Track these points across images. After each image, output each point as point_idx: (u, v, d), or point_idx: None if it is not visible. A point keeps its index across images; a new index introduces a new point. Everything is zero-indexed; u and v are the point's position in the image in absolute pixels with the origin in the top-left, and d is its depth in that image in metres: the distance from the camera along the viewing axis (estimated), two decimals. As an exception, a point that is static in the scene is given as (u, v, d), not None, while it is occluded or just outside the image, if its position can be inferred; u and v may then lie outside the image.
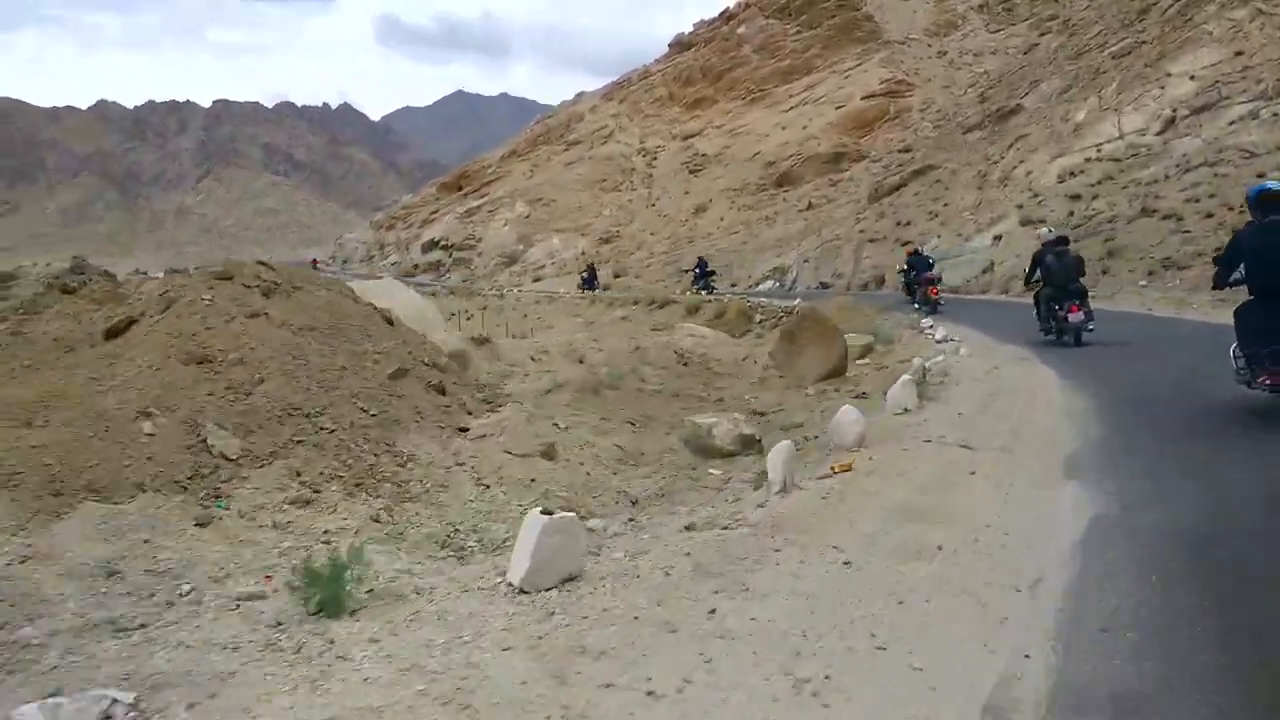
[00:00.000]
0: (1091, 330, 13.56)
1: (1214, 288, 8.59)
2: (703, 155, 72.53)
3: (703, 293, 35.93)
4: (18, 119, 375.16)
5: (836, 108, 69.18)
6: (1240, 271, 7.73)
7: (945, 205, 41.15)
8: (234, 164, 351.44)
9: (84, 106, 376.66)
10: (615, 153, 77.24)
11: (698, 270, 39.86)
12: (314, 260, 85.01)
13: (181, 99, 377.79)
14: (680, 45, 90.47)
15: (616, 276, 54.38)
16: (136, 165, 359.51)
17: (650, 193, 71.46)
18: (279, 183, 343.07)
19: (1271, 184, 7.96)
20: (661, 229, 64.99)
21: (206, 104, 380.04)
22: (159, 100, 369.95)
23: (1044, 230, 16.52)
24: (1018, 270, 25.68)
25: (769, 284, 44.71)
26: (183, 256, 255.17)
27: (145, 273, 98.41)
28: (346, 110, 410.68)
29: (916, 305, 23.27)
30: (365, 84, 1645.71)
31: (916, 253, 27.41)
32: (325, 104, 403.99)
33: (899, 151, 58.32)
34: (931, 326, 17.23)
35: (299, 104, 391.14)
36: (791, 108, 72.55)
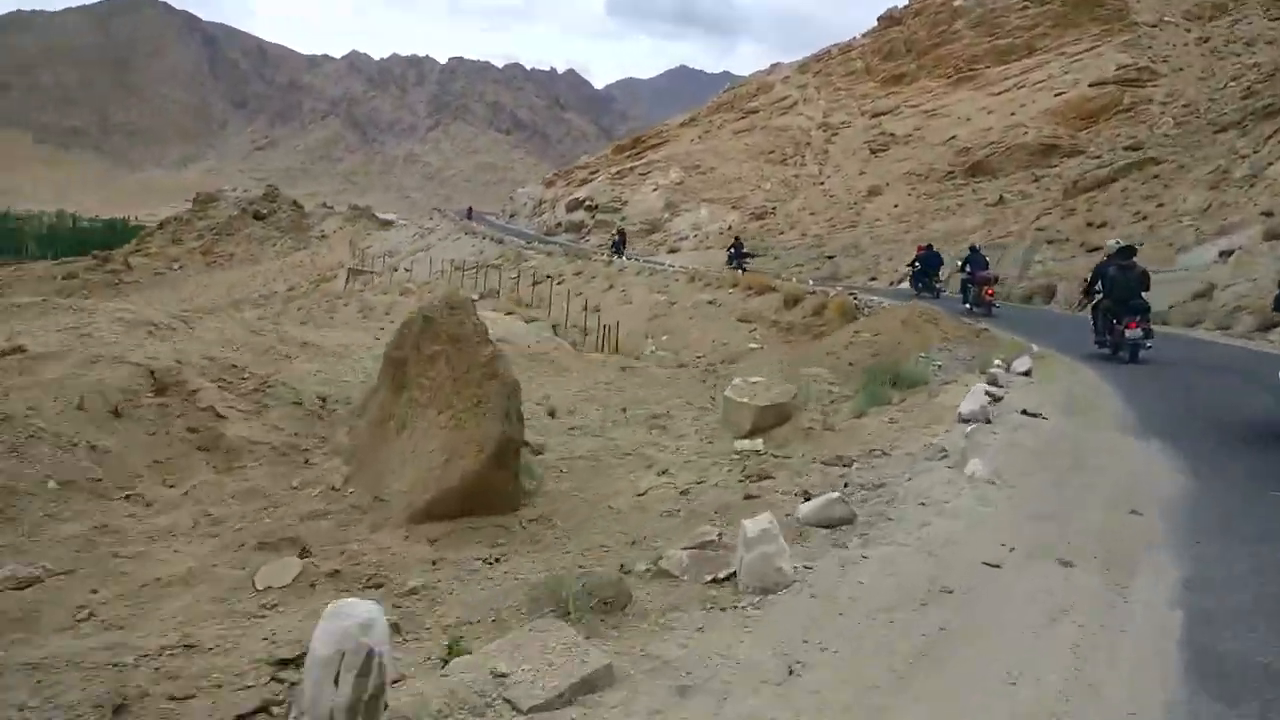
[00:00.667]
0: (1150, 349, 12.82)
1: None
2: (889, 135, 63.35)
3: (738, 272, 33.80)
4: (284, 65, 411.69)
5: (1056, 94, 58.19)
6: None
7: (1159, 206, 31.35)
8: (461, 118, 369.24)
9: (338, 55, 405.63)
10: (792, 125, 69.27)
11: (733, 250, 37.30)
12: (469, 208, 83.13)
13: (422, 54, 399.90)
14: (889, 20, 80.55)
15: (752, 256, 47.51)
16: (376, 112, 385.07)
17: (821, 170, 63.18)
18: (500, 140, 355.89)
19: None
20: (824, 210, 56.86)
21: (443, 60, 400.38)
22: (402, 54, 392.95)
23: (1110, 242, 15.72)
24: (1249, 298, 19.24)
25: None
26: (408, 201, 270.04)
27: (331, 206, 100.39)
28: (572, 76, 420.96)
29: (969, 306, 21.50)
30: (593, 53, 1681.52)
31: (929, 247, 27.91)
32: (552, 69, 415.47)
33: (1125, 149, 47.40)
34: (1023, 375, 9.35)
35: (528, 67, 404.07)
36: (1003, 91, 62.00)
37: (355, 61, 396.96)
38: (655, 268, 38.32)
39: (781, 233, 52.89)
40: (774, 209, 58.19)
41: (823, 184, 61.80)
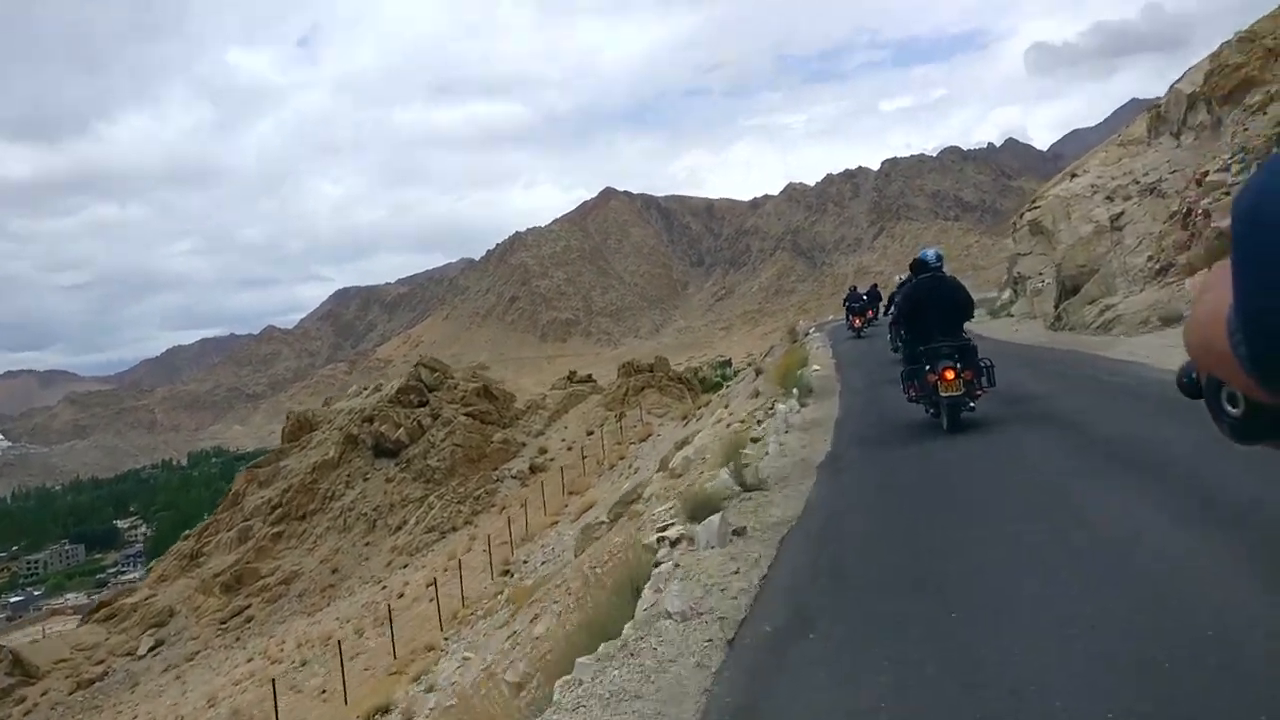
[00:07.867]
0: (973, 410, 9.19)
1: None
2: None
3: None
4: (730, 215, 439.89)
5: None
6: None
7: None
8: (904, 217, 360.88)
9: (776, 192, 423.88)
10: None
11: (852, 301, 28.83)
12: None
13: (854, 167, 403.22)
14: None
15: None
16: (819, 236, 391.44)
17: None
18: (948, 228, 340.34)
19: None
20: None
21: (875, 166, 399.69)
22: (835, 172, 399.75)
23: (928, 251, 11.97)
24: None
25: None
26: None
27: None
28: (1012, 145, 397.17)
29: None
30: (1026, 117, 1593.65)
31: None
32: (989, 144, 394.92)
33: None
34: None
35: (964, 149, 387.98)
36: None
37: (793, 194, 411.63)
38: None
39: None
40: None
41: None
